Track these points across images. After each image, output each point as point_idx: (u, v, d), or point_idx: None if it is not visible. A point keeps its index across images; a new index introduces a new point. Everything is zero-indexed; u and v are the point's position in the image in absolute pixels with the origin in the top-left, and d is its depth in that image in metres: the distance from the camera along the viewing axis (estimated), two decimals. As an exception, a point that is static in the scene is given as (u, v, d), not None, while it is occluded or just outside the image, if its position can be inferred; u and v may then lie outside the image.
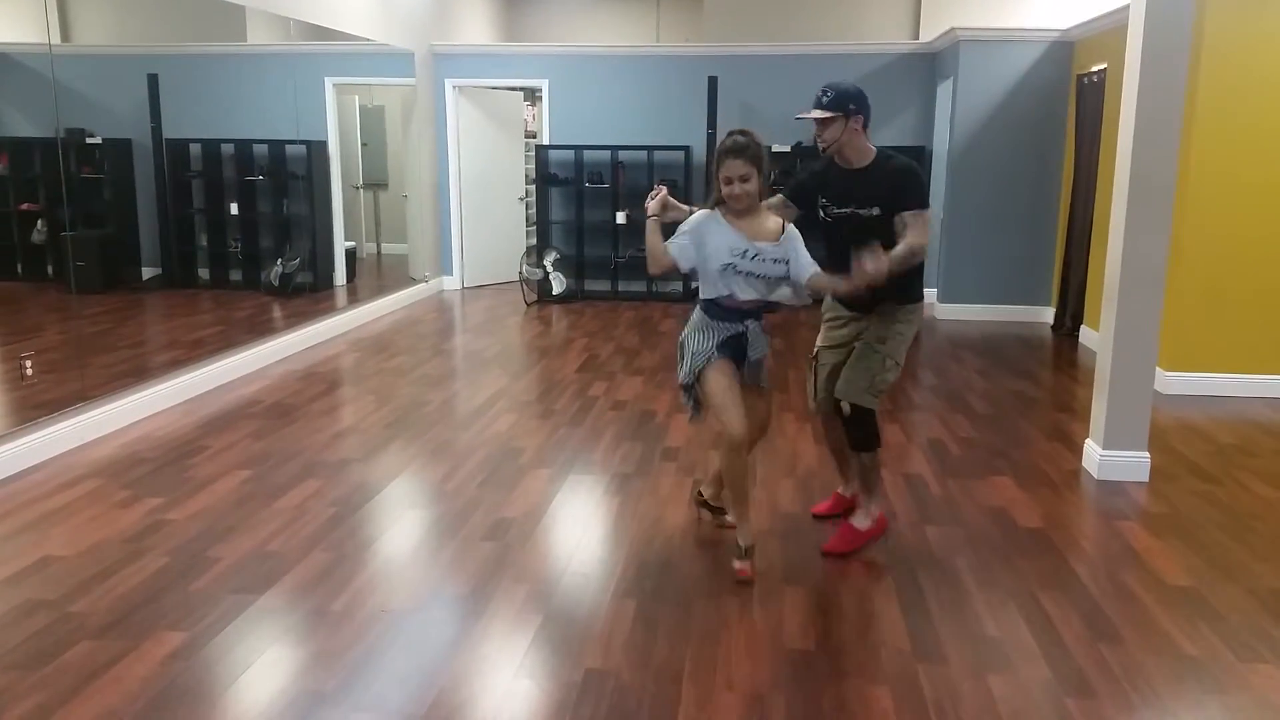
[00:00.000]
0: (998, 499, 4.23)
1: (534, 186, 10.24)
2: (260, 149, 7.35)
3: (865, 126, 3.45)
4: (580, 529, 3.93)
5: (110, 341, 5.77)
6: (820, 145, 3.49)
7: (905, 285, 3.53)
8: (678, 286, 9.76)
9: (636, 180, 9.67)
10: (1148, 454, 4.49)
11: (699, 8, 11.28)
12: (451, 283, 10.24)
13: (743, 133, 3.32)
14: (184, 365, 5.86)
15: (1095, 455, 4.54)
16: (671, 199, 3.63)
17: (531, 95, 11.29)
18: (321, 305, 7.89)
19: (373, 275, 9.66)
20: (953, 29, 8.54)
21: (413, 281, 9.65)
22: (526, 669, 2.85)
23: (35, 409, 4.75)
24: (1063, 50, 8.33)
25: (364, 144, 9.29)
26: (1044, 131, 8.46)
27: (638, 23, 12.75)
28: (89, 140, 5.63)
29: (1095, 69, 7.51)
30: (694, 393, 3.50)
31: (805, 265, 3.38)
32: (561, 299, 9.47)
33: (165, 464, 4.60)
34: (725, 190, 3.34)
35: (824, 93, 3.43)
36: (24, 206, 5.45)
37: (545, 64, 9.88)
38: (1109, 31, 7.30)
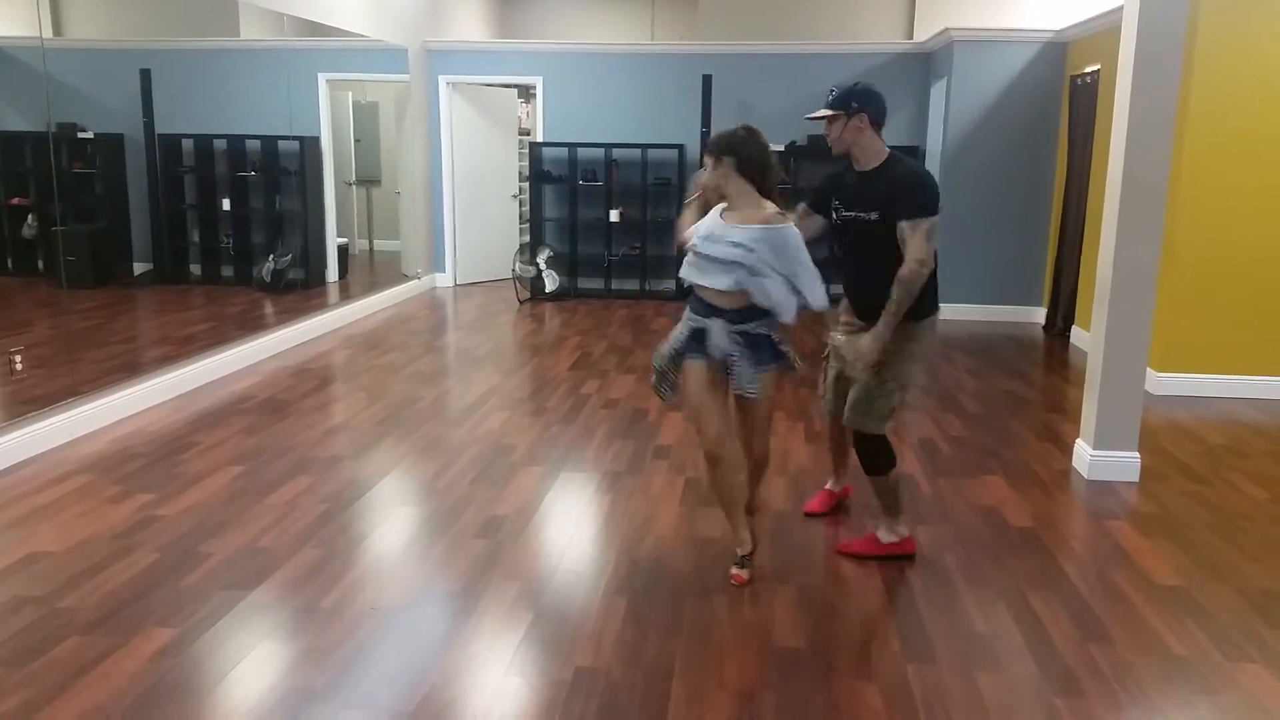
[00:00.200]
0: (988, 498, 4.24)
1: (527, 184, 10.23)
2: (253, 144, 7.32)
3: (875, 126, 3.38)
4: (571, 527, 3.93)
5: (101, 337, 5.75)
6: (831, 145, 3.46)
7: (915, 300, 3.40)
8: (670, 285, 9.76)
9: (630, 178, 9.68)
10: (1138, 454, 4.50)
11: (694, 6, 11.28)
12: (444, 280, 10.23)
13: (744, 128, 3.30)
14: (175, 361, 5.84)
15: (1086, 455, 4.55)
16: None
17: (525, 92, 11.28)
18: (313, 301, 7.87)
19: (365, 272, 9.64)
20: (946, 29, 8.55)
21: (405, 278, 9.64)
22: (517, 667, 2.85)
23: (25, 404, 4.73)
24: (1056, 51, 8.35)
25: (357, 140, 9.27)
26: (1037, 132, 8.47)
27: (632, 21, 12.74)
28: (81, 135, 5.61)
29: (1088, 70, 7.53)
30: (667, 378, 3.46)
31: (799, 274, 3.20)
32: (554, 297, 9.47)
33: (156, 460, 4.59)
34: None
35: (830, 91, 3.42)
36: (15, 201, 5.43)
37: (539, 61, 9.86)
38: (1102, 33, 7.32)
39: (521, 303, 9.29)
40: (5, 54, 5.06)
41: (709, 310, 3.32)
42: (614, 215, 9.67)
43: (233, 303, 7.23)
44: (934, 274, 3.36)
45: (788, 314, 3.24)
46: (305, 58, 7.88)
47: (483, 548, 3.66)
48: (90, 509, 3.97)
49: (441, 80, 9.83)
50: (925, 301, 3.38)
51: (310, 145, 7.80)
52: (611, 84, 9.77)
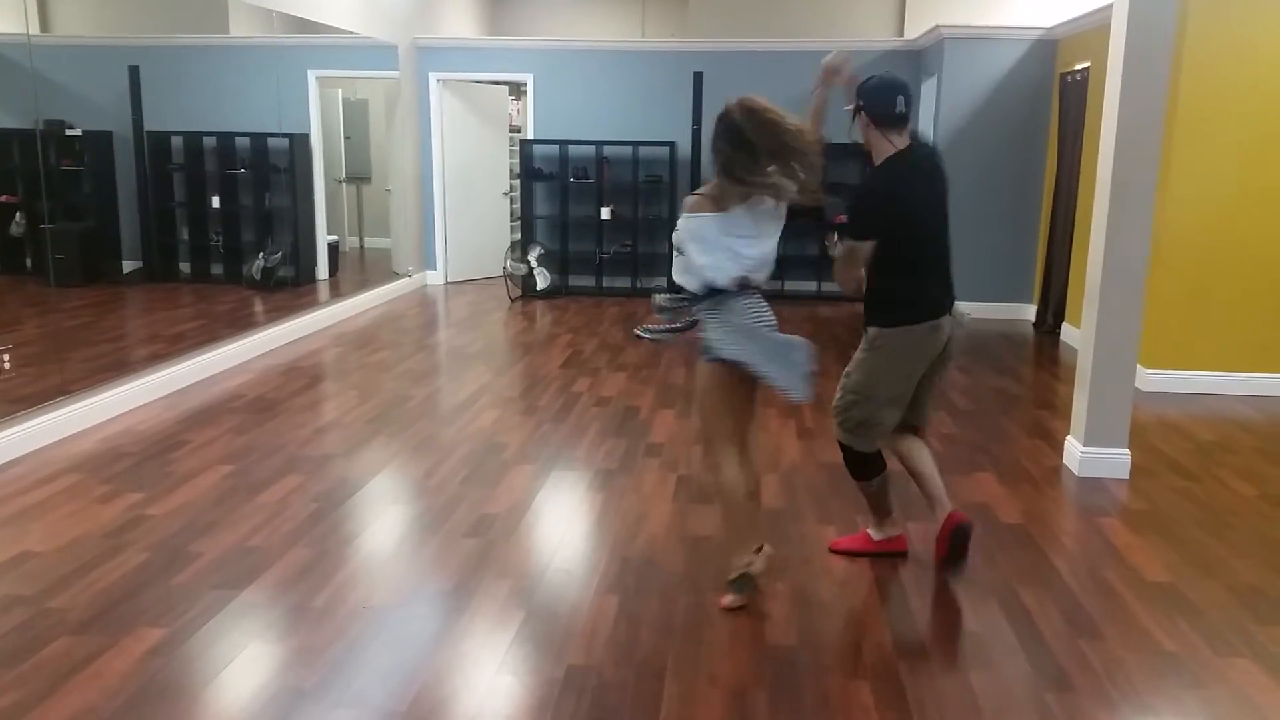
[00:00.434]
0: (979, 495, 4.25)
1: (518, 181, 10.21)
2: (242, 142, 7.30)
3: (875, 125, 3.27)
4: (563, 525, 3.93)
5: (90, 335, 5.73)
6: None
7: (873, 304, 3.35)
8: (662, 282, 9.74)
9: (621, 176, 9.67)
10: (1128, 451, 4.52)
11: (684, 3, 11.28)
12: (435, 278, 10.21)
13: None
14: (165, 359, 5.82)
15: (1076, 452, 4.56)
16: None
17: (516, 89, 11.26)
18: (303, 299, 7.85)
19: (355, 270, 9.63)
20: (937, 26, 8.56)
21: (396, 276, 9.61)
22: (509, 665, 2.85)
23: (13, 403, 4.71)
24: (1046, 48, 8.37)
25: (347, 137, 9.25)
26: (1027, 129, 8.49)
27: (623, 18, 12.72)
28: (69, 132, 5.58)
29: (1078, 67, 7.55)
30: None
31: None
32: (546, 294, 9.46)
33: (146, 459, 4.57)
34: None
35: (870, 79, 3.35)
36: (3, 199, 5.40)
37: (530, 58, 9.85)
38: (1092, 30, 7.34)
39: (513, 300, 9.28)
40: (-8, 51, 5.04)
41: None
42: (605, 213, 9.67)
43: (222, 301, 7.21)
44: (895, 288, 3.27)
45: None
46: (295, 54, 7.86)
47: (474, 546, 3.66)
48: (80, 508, 3.96)
49: (432, 77, 9.80)
50: (885, 313, 3.30)
51: (300, 142, 7.77)
52: (603, 81, 9.76)
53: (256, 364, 6.48)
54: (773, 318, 3.14)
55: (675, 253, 3.10)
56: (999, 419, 5.48)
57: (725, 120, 3.08)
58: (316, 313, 7.78)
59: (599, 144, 9.60)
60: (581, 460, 4.67)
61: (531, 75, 9.85)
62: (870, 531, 3.64)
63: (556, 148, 9.72)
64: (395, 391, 5.87)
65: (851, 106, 3.32)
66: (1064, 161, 7.80)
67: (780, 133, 2.99)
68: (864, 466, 3.48)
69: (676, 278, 3.13)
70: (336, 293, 8.46)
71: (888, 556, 3.59)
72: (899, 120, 3.26)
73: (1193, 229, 5.99)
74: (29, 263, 5.45)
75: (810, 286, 9.66)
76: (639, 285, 9.86)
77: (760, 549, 3.23)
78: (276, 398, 5.67)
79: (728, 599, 3.19)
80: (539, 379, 6.27)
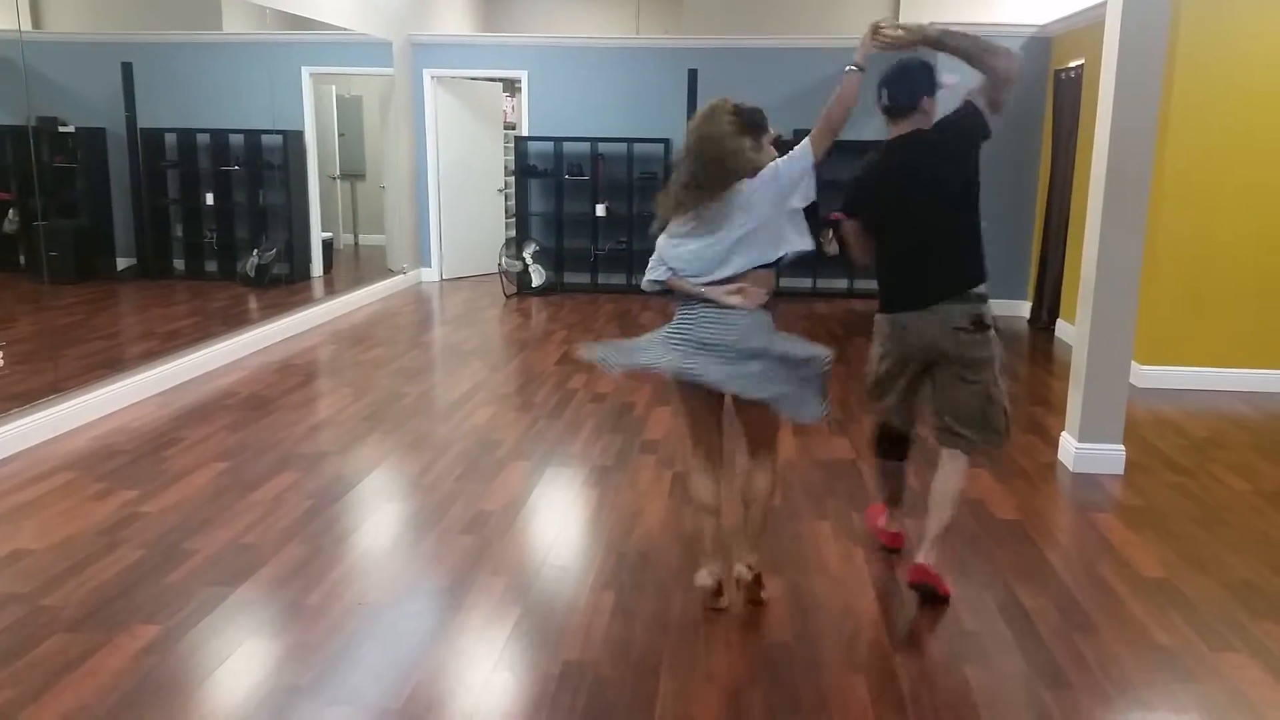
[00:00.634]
0: (974, 491, 4.26)
1: (513, 178, 10.20)
2: (236, 139, 7.28)
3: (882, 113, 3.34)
4: (559, 522, 3.93)
5: (84, 332, 5.71)
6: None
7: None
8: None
9: (616, 173, 9.66)
10: (1122, 447, 4.53)
11: (679, 0, 11.27)
12: (430, 274, 10.19)
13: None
14: (159, 356, 5.80)
15: (1071, 448, 4.57)
16: None
17: (511, 86, 11.24)
18: (298, 296, 7.83)
19: (350, 266, 9.60)
20: (931, 24, 8.54)
21: (390, 273, 9.60)
22: (505, 661, 2.85)
23: (7, 401, 4.69)
24: (1040, 45, 8.38)
25: (341, 134, 9.23)
26: (1021, 126, 8.49)
27: (617, 14, 12.71)
28: (62, 129, 5.56)
29: (1072, 64, 7.56)
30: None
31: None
32: (541, 291, 9.45)
33: (140, 456, 4.56)
34: (774, 154, 3.11)
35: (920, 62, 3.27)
36: (-5, 195, 5.38)
37: (524, 55, 9.83)
38: (1086, 27, 7.35)
39: (508, 297, 9.27)
40: (-16, 47, 5.02)
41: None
42: (600, 209, 9.66)
43: (217, 298, 7.19)
44: (877, 273, 3.35)
45: None
46: (288, 51, 7.83)
47: (470, 543, 3.65)
48: (73, 506, 3.94)
49: (426, 74, 9.79)
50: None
51: (294, 139, 7.75)
52: (597, 78, 9.75)
53: (251, 361, 6.47)
54: (712, 330, 2.96)
55: None
56: (994, 415, 5.47)
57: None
58: (311, 310, 7.77)
59: (594, 141, 9.59)
60: (577, 457, 4.67)
61: (526, 72, 9.83)
62: (889, 525, 3.66)
63: (551, 144, 9.71)
64: (390, 389, 5.86)
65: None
66: (1058, 158, 7.81)
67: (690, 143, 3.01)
68: (874, 441, 3.61)
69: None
70: (331, 290, 8.45)
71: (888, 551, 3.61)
72: (887, 112, 3.28)
73: (1187, 225, 6.00)
74: (22, 260, 5.43)
75: (806, 284, 9.66)
76: (634, 282, 9.85)
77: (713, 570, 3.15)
78: (271, 395, 5.66)
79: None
80: (534, 376, 6.26)
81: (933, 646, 2.97)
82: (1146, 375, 6.08)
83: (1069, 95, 7.59)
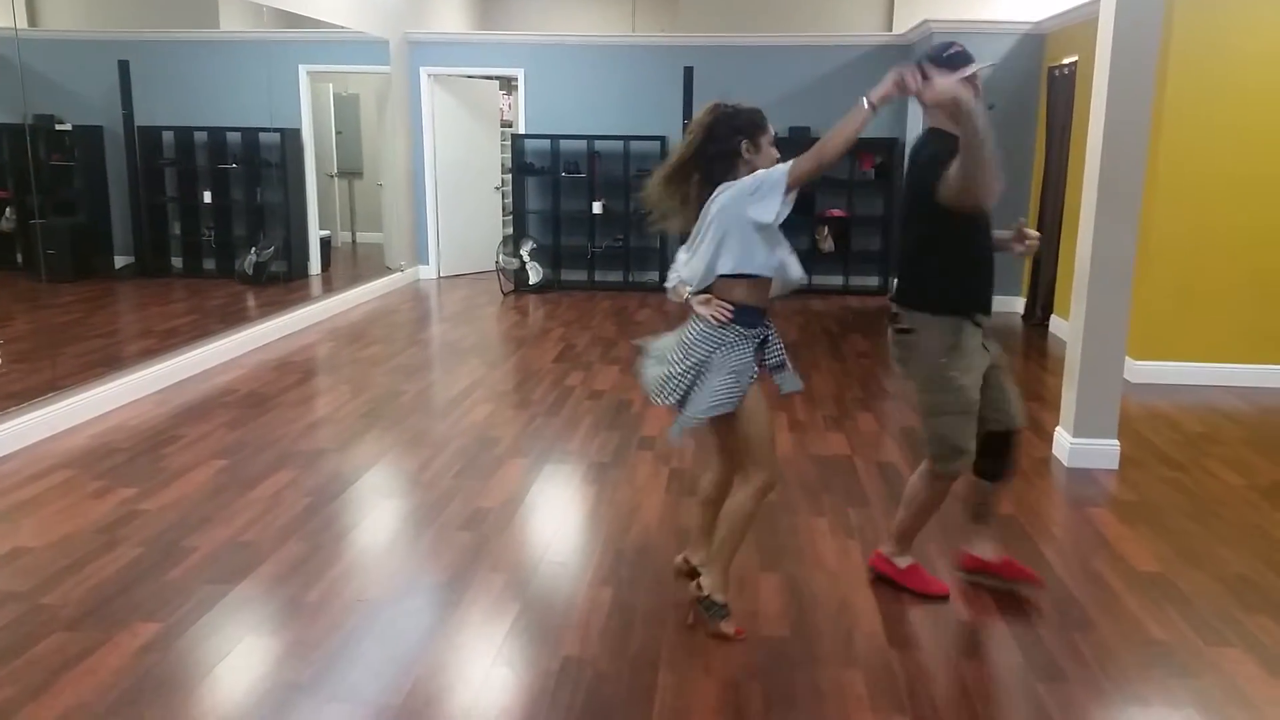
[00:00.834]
0: (970, 486, 4.26)
1: (510, 176, 10.21)
2: (234, 137, 7.28)
3: None
4: (557, 518, 3.94)
5: (82, 331, 5.72)
6: (988, 103, 3.00)
7: None
8: (654, 276, 9.76)
9: (613, 170, 9.67)
10: (1117, 442, 4.55)
11: (675, -3, 11.28)
12: (427, 272, 10.20)
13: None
14: (157, 354, 5.81)
15: (1065, 443, 4.59)
16: None
17: (507, 84, 11.24)
18: (296, 294, 7.84)
19: (348, 264, 9.61)
20: (925, 21, 8.58)
21: (388, 271, 9.60)
22: (504, 657, 2.86)
23: (5, 399, 4.69)
24: (1034, 42, 8.39)
25: (338, 132, 9.23)
26: (1015, 123, 8.51)
27: (614, 12, 12.71)
28: (59, 127, 5.56)
29: (1066, 61, 7.57)
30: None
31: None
32: (538, 289, 9.46)
33: (138, 454, 4.57)
34: (775, 155, 2.91)
35: (954, 46, 2.99)
36: (-8, 194, 5.38)
37: (521, 53, 9.83)
38: (1080, 24, 7.36)
39: (505, 295, 9.28)
40: (-19, 46, 5.02)
41: (761, 315, 2.95)
42: (597, 207, 9.67)
43: (215, 296, 7.19)
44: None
45: None
46: (285, 49, 7.83)
47: (468, 540, 3.67)
48: (72, 504, 3.95)
49: (423, 72, 9.79)
50: None
51: (291, 137, 7.76)
52: (593, 76, 9.75)
53: (249, 359, 6.47)
54: (683, 345, 2.94)
55: None
56: (990, 411, 5.49)
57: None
58: (309, 308, 7.77)
59: (590, 138, 9.60)
60: (575, 453, 4.68)
61: (523, 70, 9.84)
62: (984, 551, 3.33)
63: (548, 142, 9.72)
64: (388, 386, 5.87)
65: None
66: (1052, 155, 7.83)
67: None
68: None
69: None
70: (329, 288, 8.45)
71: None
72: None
73: (1180, 221, 6.02)
74: (19, 258, 5.43)
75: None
76: (631, 279, 9.87)
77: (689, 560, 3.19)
78: (269, 393, 5.66)
79: (729, 627, 3.00)
80: (532, 373, 6.27)
81: (929, 641, 2.99)
82: (1140, 370, 6.10)
83: (1063, 92, 7.61)
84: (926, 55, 2.96)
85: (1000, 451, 3.16)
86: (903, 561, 3.32)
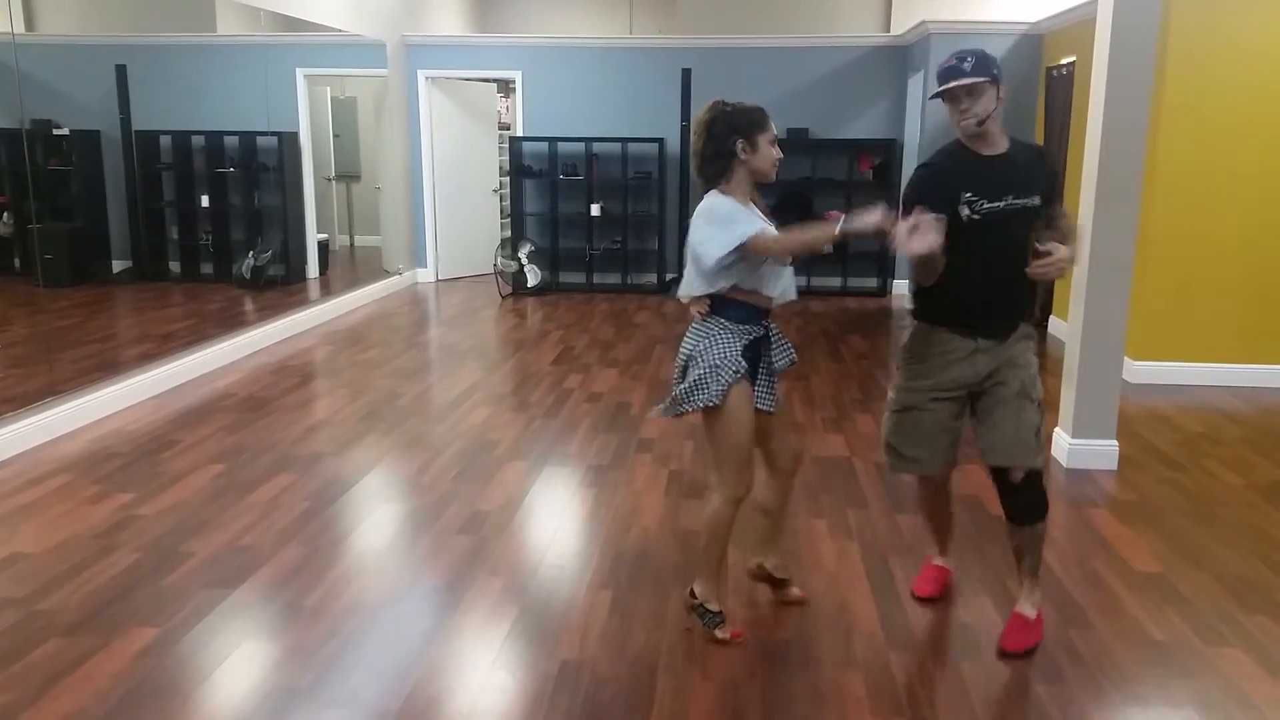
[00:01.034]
0: (968, 487, 4.27)
1: (508, 178, 10.21)
2: (231, 140, 7.28)
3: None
4: (556, 521, 3.94)
5: (79, 335, 5.71)
6: (968, 124, 2.80)
7: (1030, 299, 2.94)
8: (652, 279, 9.76)
9: (610, 172, 9.67)
10: (1116, 442, 4.54)
11: (673, 0, 11.28)
12: (425, 275, 10.19)
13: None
14: (155, 359, 5.80)
15: (1064, 444, 4.59)
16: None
17: (505, 87, 11.25)
18: (294, 298, 7.83)
19: (346, 268, 9.60)
20: (923, 22, 8.58)
21: (386, 274, 9.60)
22: (503, 661, 2.86)
23: (3, 404, 4.69)
24: (1032, 43, 8.40)
25: (336, 135, 9.22)
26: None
27: (611, 15, 12.71)
28: (56, 131, 5.56)
29: (1064, 61, 7.58)
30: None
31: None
32: (536, 291, 9.45)
33: (136, 459, 4.56)
34: (775, 155, 2.86)
35: (962, 59, 2.77)
36: (-11, 199, 5.38)
37: (518, 55, 9.84)
38: (1077, 24, 7.36)
39: (503, 298, 9.28)
40: (-23, 50, 5.01)
41: (760, 314, 2.89)
42: (595, 209, 9.67)
43: (212, 300, 7.19)
44: None
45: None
46: (282, 53, 7.83)
47: (467, 543, 3.66)
48: (70, 509, 3.95)
49: (420, 75, 9.79)
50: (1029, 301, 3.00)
51: (289, 141, 7.75)
52: (591, 78, 9.75)
53: (247, 363, 6.47)
54: (682, 344, 2.94)
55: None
56: (989, 412, 5.49)
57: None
58: (307, 311, 7.77)
59: (588, 141, 9.60)
60: (573, 456, 4.68)
61: (520, 72, 9.84)
62: (1025, 609, 3.02)
63: (546, 145, 9.72)
64: (386, 389, 5.87)
65: (987, 79, 2.76)
66: (1050, 155, 7.83)
67: None
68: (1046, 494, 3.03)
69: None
70: (327, 291, 8.45)
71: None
72: None
73: (1178, 221, 6.02)
74: (17, 263, 5.42)
75: (800, 281, 9.67)
76: (629, 281, 9.87)
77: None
78: (267, 396, 5.66)
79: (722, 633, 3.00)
80: (530, 376, 6.27)
81: (928, 643, 2.99)
82: (1139, 371, 6.10)
83: (1061, 92, 7.61)
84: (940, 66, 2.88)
85: (1004, 489, 2.96)
86: (942, 562, 3.35)
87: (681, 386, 2.87)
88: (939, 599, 3.25)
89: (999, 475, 2.94)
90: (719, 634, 2.97)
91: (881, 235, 2.66)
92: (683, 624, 3.05)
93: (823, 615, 3.15)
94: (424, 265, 10.18)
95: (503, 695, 2.69)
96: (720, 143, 2.82)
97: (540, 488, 4.27)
